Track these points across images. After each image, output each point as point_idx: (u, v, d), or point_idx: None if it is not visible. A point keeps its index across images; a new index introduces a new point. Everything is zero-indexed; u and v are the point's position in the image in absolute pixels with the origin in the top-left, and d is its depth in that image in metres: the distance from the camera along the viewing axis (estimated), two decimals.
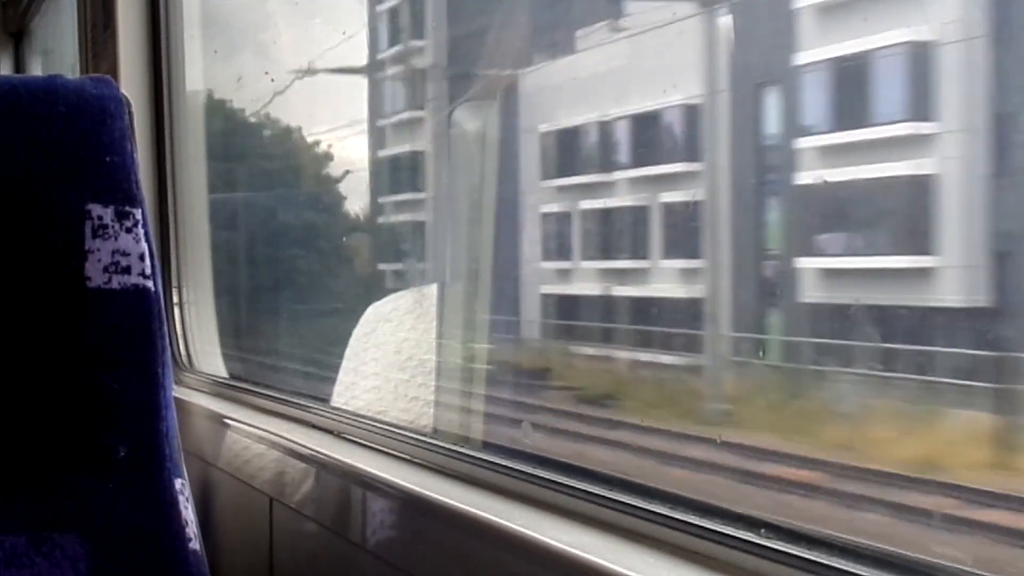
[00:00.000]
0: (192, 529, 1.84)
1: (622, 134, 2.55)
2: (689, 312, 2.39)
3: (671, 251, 2.36)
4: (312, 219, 4.17)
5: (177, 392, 1.88)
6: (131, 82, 2.78)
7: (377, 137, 3.65)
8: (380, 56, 3.80)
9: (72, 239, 1.82)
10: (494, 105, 2.70)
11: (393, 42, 3.78)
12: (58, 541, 1.79)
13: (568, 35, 2.74)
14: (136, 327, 1.84)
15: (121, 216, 1.84)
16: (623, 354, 2.56)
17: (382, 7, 3.71)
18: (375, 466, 1.69)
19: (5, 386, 1.79)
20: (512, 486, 1.48)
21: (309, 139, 4.09)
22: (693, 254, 2.39)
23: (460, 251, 2.95)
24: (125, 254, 1.83)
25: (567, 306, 2.94)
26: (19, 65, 5.05)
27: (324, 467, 1.77)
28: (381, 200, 3.77)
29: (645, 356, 2.46)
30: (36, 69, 4.95)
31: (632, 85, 2.41)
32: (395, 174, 3.93)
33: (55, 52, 4.66)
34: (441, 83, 3.59)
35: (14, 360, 1.79)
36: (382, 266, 3.76)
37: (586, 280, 2.79)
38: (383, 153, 3.72)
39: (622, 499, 1.30)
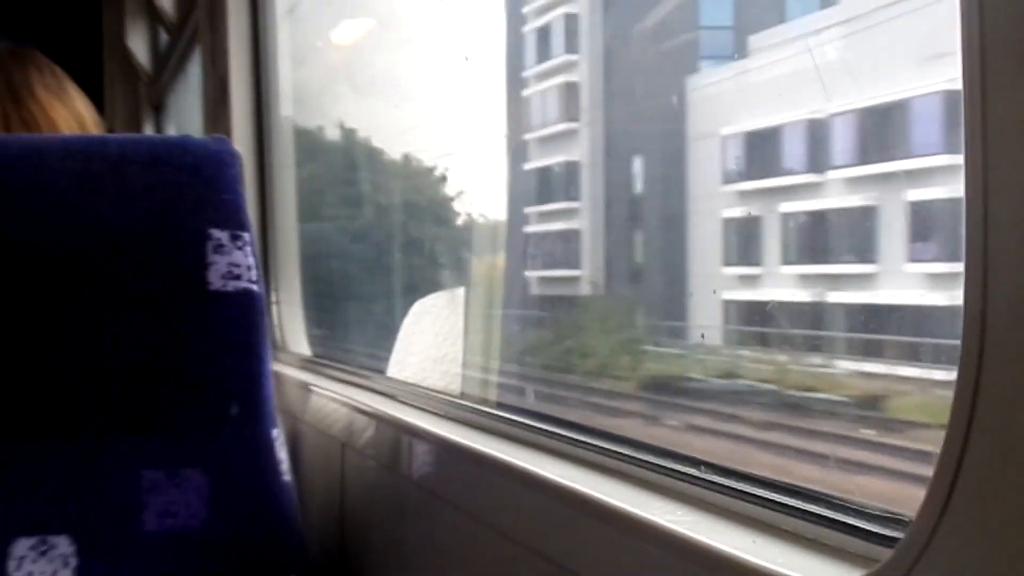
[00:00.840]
0: (284, 466, 1.86)
1: (840, 131, 2.11)
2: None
3: (917, 253, 1.91)
4: (436, 232, 3.74)
5: (274, 366, 1.89)
6: (241, 140, 2.79)
7: (517, 152, 3.29)
8: (526, 74, 3.28)
9: (198, 254, 1.83)
10: (649, 113, 2.48)
11: (543, 59, 3.25)
12: (187, 474, 1.80)
13: (741, 37, 2.36)
14: (245, 319, 1.85)
15: (234, 238, 1.85)
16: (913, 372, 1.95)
17: (529, 27, 3.29)
18: (419, 420, 1.70)
19: (150, 364, 1.80)
20: (518, 434, 1.48)
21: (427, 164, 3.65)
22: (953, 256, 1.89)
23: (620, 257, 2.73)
24: (237, 266, 1.84)
25: (764, 313, 2.47)
26: (159, 129, 5.05)
27: (382, 420, 1.77)
28: (526, 210, 3.37)
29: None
30: (172, 131, 4.95)
31: (849, 80, 1.99)
32: (543, 185, 3.36)
33: (185, 119, 4.66)
34: (597, 95, 3.10)
35: (155, 344, 1.80)
36: (529, 274, 3.36)
37: (785, 286, 2.33)
38: (529, 166, 3.30)
39: (599, 443, 1.30)
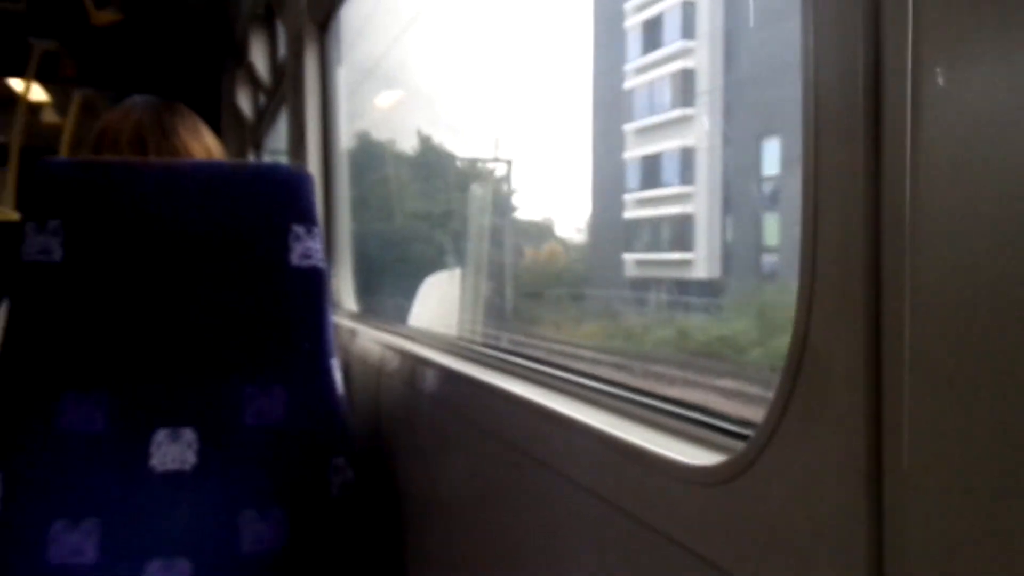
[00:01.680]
0: (339, 384, 1.83)
1: None
2: None
3: None
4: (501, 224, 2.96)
5: (334, 318, 1.86)
6: (314, 166, 2.75)
7: (607, 143, 2.61)
8: (630, 66, 2.50)
9: (283, 242, 1.79)
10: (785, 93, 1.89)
11: (651, 49, 2.40)
12: (274, 388, 1.77)
13: None
14: (314, 286, 1.82)
15: (308, 231, 1.82)
16: None
17: (634, 21, 2.47)
18: (428, 353, 1.68)
19: (251, 315, 1.77)
20: (491, 362, 1.46)
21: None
22: None
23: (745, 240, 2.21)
24: (309, 250, 1.81)
25: None
26: (258, 159, 5.01)
27: (403, 354, 1.75)
28: (625, 197, 2.62)
29: None
30: (266, 160, 4.91)
31: None
32: (646, 172, 2.53)
33: (276, 153, 4.61)
34: (716, 79, 2.28)
35: (254, 302, 1.77)
36: (627, 256, 2.59)
37: None
38: (630, 155, 2.56)
39: (550, 370, 1.28)
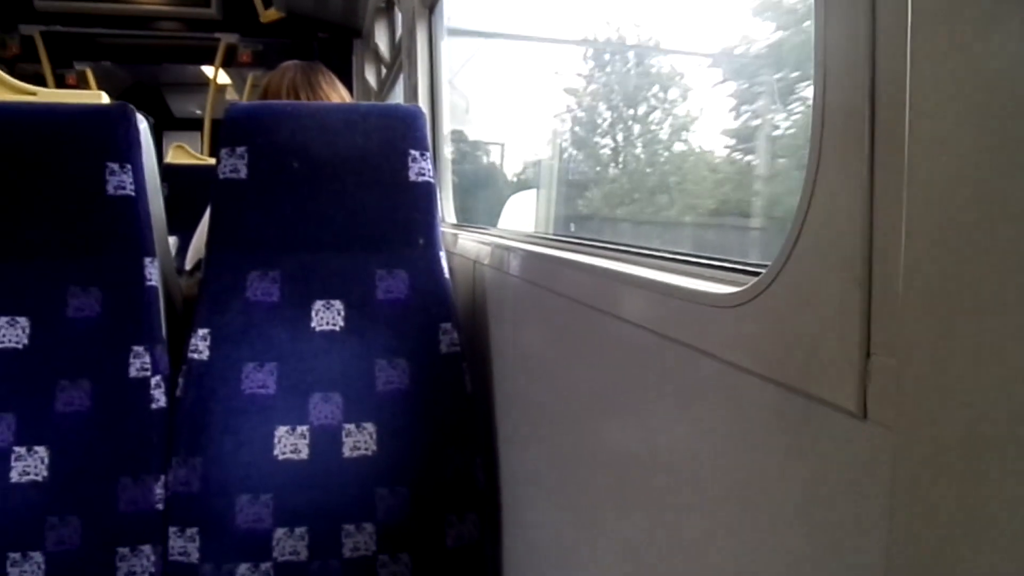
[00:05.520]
0: (446, 271, 1.86)
1: None
2: None
3: None
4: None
5: (442, 227, 1.84)
6: (424, 106, 2.71)
7: None
8: None
9: (403, 163, 1.83)
10: None
11: None
12: (398, 272, 1.86)
13: None
14: (426, 197, 1.85)
15: (421, 155, 1.83)
16: None
17: None
18: (513, 243, 1.66)
19: (381, 214, 1.77)
20: (562, 245, 1.43)
21: None
22: None
23: None
24: (423, 168, 1.83)
25: None
26: None
27: (494, 245, 1.74)
28: None
29: None
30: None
31: None
32: None
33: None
34: None
35: (382, 206, 1.77)
36: None
37: None
38: None
39: (598, 243, 1.25)
